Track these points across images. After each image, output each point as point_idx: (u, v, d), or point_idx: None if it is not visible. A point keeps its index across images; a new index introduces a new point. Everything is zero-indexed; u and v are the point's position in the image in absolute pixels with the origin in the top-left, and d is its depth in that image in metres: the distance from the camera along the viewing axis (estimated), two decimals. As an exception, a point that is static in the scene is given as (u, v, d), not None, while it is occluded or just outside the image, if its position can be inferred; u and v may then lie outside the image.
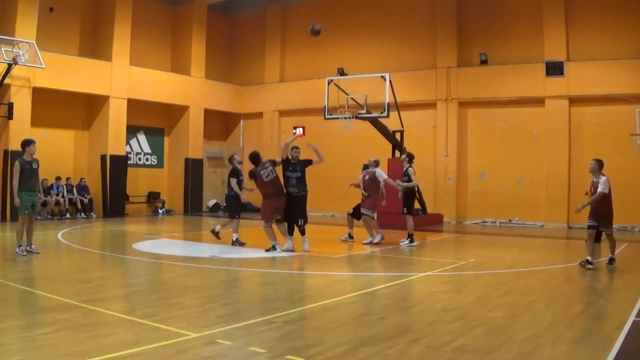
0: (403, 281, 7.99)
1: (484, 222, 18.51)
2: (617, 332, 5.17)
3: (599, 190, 8.81)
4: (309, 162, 10.54)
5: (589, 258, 8.93)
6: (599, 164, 9.09)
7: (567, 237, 14.68)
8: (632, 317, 5.73)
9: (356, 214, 12.37)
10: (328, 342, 4.76)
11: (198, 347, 4.57)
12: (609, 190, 8.84)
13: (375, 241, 11.89)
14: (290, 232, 10.57)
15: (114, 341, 4.72)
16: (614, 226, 9.15)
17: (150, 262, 9.43)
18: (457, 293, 7.19)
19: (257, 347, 4.58)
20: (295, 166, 10.45)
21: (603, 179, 8.88)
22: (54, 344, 4.55)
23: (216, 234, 11.78)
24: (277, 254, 10.29)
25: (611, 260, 9.20)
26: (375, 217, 12.13)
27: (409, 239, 11.88)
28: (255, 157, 10.75)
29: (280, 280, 8.23)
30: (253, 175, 10.62)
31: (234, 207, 11.56)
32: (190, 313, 5.82)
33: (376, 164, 12.33)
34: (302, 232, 10.56)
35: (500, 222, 18.20)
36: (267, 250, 10.49)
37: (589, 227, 9.03)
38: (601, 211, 8.91)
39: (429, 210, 17.79)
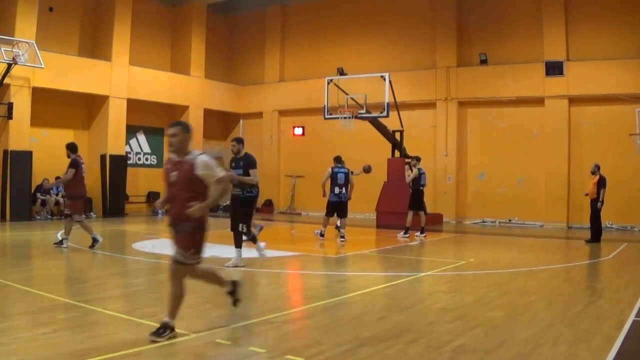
0: (403, 281, 7.98)
1: (483, 222, 18.51)
2: (617, 332, 5.17)
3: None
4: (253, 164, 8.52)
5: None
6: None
7: (566, 237, 14.67)
8: (632, 317, 5.73)
9: (331, 212, 12.63)
10: (328, 342, 4.75)
11: (198, 347, 4.57)
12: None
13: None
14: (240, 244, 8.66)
15: (113, 341, 4.71)
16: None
17: (150, 262, 9.42)
18: (457, 293, 7.19)
19: (257, 347, 4.58)
20: (238, 162, 8.54)
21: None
22: (54, 343, 4.54)
23: (342, 235, 12.52)
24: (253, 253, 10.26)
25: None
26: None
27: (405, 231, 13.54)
28: (73, 145, 10.46)
29: (280, 280, 8.23)
30: (76, 164, 10.04)
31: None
32: (190, 313, 5.81)
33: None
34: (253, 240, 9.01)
35: (500, 222, 18.20)
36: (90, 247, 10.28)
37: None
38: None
39: (429, 210, 17.69)
